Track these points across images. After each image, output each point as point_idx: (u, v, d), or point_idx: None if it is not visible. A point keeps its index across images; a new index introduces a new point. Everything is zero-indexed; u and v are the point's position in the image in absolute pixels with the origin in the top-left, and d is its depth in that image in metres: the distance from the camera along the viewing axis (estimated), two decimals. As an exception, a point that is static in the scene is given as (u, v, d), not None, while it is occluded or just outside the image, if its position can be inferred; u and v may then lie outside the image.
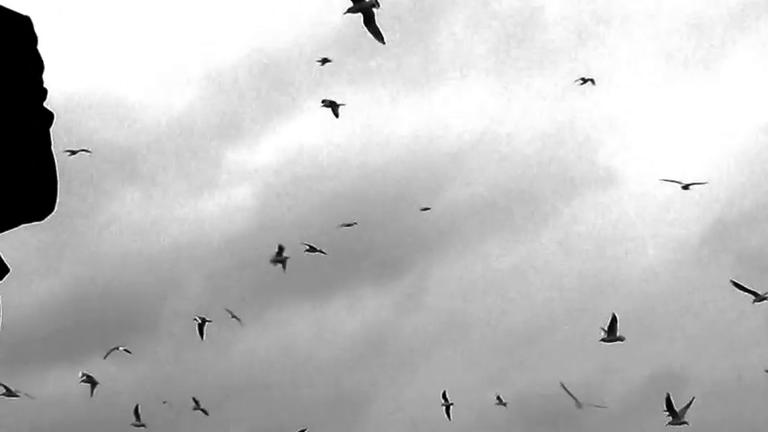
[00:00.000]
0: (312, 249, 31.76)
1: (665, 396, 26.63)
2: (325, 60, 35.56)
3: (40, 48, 3.52)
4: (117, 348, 34.48)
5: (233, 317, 34.86)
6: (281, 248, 31.67)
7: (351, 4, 22.07)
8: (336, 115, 29.80)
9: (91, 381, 34.38)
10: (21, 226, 3.44)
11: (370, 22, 22.99)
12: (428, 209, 38.74)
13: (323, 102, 30.17)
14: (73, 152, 34.42)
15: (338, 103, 30.46)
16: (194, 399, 38.93)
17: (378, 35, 23.16)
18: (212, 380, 40.06)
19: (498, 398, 32.14)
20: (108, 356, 36.09)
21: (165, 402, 43.78)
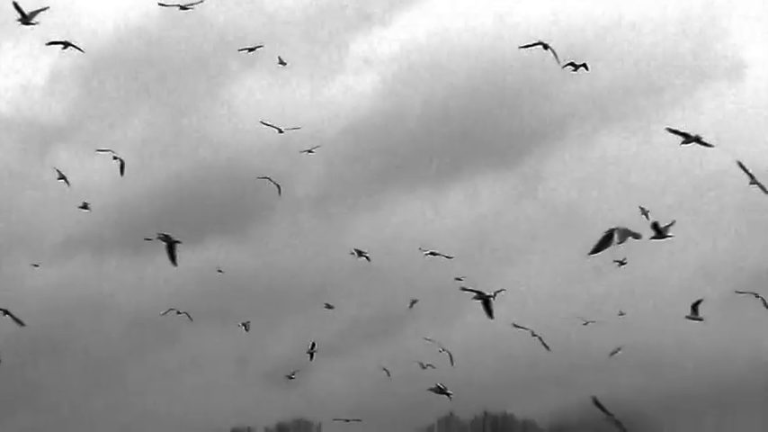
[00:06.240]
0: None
1: None
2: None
3: None
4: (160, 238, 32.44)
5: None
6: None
7: None
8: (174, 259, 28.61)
9: (120, 160, 34.08)
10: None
11: None
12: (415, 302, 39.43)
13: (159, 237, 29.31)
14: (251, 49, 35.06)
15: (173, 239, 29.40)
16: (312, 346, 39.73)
17: None
18: (326, 261, 40.62)
19: None
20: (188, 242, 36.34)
21: (220, 271, 44.18)
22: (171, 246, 29.43)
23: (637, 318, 42.26)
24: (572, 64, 33.65)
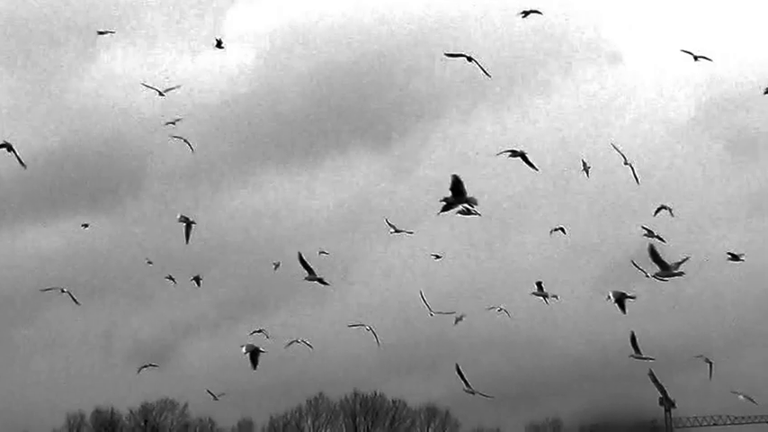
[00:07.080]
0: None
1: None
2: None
3: None
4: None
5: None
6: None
7: None
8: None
9: (187, 221, 33.64)
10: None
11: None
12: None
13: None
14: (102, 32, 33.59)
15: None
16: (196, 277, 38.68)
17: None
18: (195, 241, 40.07)
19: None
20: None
21: (149, 263, 43.67)
22: (255, 353, 29.43)
23: (507, 300, 42.57)
24: (524, 12, 34.16)
